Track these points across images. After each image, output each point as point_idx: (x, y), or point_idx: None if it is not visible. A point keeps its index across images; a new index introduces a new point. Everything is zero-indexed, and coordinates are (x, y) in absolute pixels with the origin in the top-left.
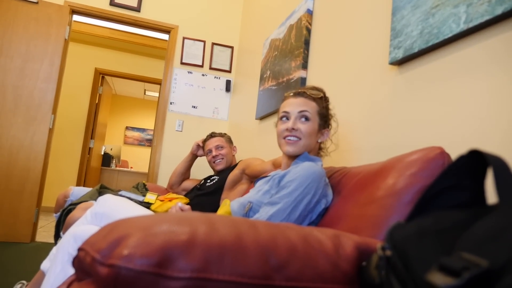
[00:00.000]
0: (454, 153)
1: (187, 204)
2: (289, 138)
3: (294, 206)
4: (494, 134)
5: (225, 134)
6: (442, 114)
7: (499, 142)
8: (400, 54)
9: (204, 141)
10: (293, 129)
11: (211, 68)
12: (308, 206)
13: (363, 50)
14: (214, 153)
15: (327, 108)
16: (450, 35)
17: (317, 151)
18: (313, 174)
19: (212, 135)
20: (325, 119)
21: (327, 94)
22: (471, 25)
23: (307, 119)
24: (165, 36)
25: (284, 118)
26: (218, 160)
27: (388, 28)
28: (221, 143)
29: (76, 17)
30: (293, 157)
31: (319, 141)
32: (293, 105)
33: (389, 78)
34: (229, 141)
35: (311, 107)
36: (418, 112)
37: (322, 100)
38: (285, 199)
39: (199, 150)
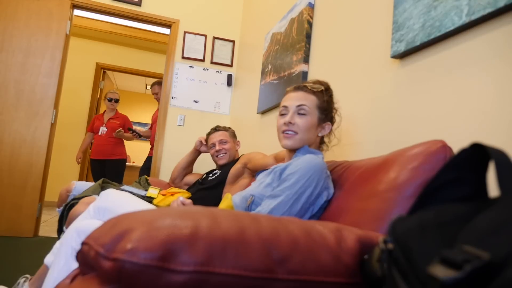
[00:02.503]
0: (456, 146)
1: (189, 198)
2: (286, 132)
3: (295, 199)
4: (496, 127)
5: (229, 128)
6: (444, 108)
7: (501, 135)
8: (402, 48)
9: (208, 134)
10: (290, 123)
11: (212, 63)
12: (309, 198)
13: (365, 43)
14: (217, 147)
15: (328, 102)
16: (452, 28)
17: (318, 144)
18: (315, 166)
19: (216, 129)
20: (325, 112)
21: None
22: (473, 17)
23: (304, 113)
24: (166, 31)
25: (283, 112)
26: (221, 155)
27: (390, 21)
28: (225, 137)
29: (77, 12)
30: (293, 151)
31: (320, 135)
32: (292, 99)
33: (391, 71)
34: (233, 135)
35: (310, 101)
36: (420, 106)
37: (323, 94)
38: (287, 191)
39: (202, 146)
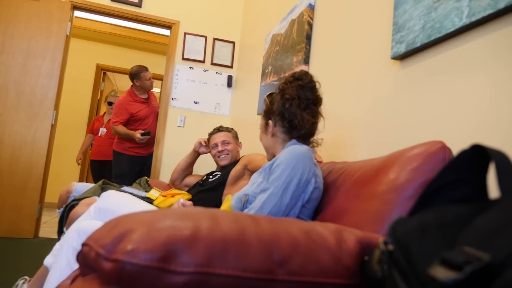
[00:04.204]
0: (456, 147)
1: (189, 199)
2: None
3: (284, 189)
4: (495, 129)
5: (232, 129)
6: (444, 109)
7: (500, 137)
8: (402, 49)
9: (211, 134)
10: None
11: (212, 64)
12: (298, 186)
13: (365, 44)
14: (220, 148)
15: (271, 102)
16: (452, 29)
17: (286, 143)
18: (298, 155)
19: (219, 129)
20: (267, 114)
21: (329, 89)
22: (473, 19)
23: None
24: (166, 32)
25: None
26: (223, 156)
27: (390, 23)
28: (228, 138)
29: (77, 13)
30: (284, 147)
31: (271, 135)
32: None
33: (391, 73)
34: (236, 137)
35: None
36: (420, 107)
37: (266, 101)
38: (275, 183)
39: (202, 147)
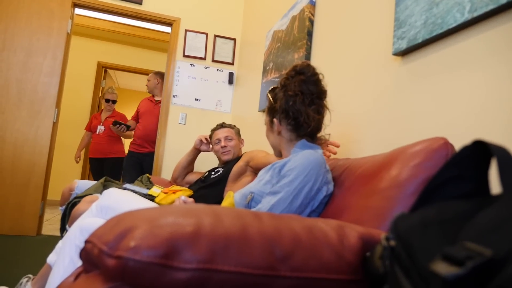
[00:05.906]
0: (458, 143)
1: (191, 196)
2: None
3: (295, 195)
4: (496, 125)
5: (235, 126)
6: (445, 105)
7: (501, 133)
8: (403, 45)
9: (213, 130)
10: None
11: (213, 61)
12: (309, 194)
13: (367, 41)
14: (222, 144)
15: (274, 98)
16: (454, 25)
17: (293, 142)
18: (313, 161)
19: (222, 125)
20: (271, 111)
21: (331, 86)
22: (475, 14)
23: (265, 123)
24: (167, 29)
25: None
26: (226, 151)
27: (392, 19)
28: (231, 134)
29: (78, 11)
30: (291, 146)
31: (277, 133)
32: None
33: (392, 69)
34: (238, 133)
35: (265, 112)
36: (422, 103)
37: (269, 97)
38: (286, 188)
39: (202, 145)
